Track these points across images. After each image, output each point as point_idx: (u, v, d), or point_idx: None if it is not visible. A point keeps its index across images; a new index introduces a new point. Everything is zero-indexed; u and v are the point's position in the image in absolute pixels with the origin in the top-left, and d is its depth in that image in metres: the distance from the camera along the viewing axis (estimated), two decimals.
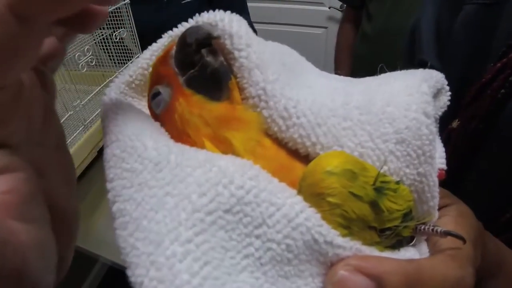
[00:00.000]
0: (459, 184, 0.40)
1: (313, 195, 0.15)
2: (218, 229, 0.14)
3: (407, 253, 0.18)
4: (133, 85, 0.21)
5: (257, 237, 0.14)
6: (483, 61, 0.42)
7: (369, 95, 0.18)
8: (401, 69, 0.21)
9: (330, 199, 0.15)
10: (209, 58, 0.17)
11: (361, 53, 0.97)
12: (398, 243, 0.18)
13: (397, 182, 0.17)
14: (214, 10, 0.18)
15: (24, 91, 0.15)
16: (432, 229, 0.18)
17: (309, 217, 0.15)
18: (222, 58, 0.17)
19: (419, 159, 0.17)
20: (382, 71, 0.22)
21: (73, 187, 0.17)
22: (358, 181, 0.15)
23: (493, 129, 0.39)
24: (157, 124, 0.18)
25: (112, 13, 0.77)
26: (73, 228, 0.17)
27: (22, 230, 0.13)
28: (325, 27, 1.62)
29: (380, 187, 0.16)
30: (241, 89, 0.18)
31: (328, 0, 1.55)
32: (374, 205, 0.15)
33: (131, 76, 0.21)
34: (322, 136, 0.17)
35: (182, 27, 0.19)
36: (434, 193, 0.18)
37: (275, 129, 0.17)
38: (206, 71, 0.17)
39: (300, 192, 0.15)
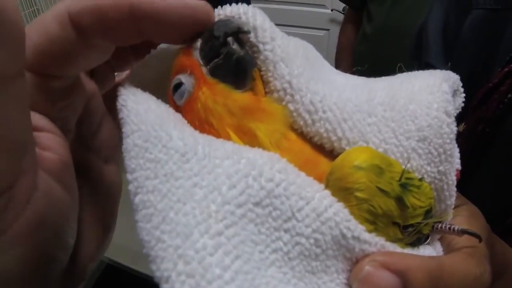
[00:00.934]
0: (465, 187, 0.41)
1: (341, 189, 0.15)
2: (248, 222, 0.14)
3: (426, 251, 0.18)
4: (151, 75, 0.20)
5: (286, 231, 0.14)
6: (490, 66, 0.42)
7: (392, 92, 0.18)
8: (403, 71, 0.21)
9: (358, 193, 0.15)
10: (235, 46, 0.16)
11: (361, 52, 0.98)
12: (418, 241, 0.18)
13: (420, 179, 0.17)
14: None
15: (81, 91, 0.18)
16: (449, 227, 0.18)
17: (338, 212, 0.15)
18: (247, 48, 0.17)
19: (440, 157, 0.17)
20: (401, 70, 0.22)
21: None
22: (384, 176, 0.15)
23: (499, 133, 0.39)
24: (179, 115, 0.17)
25: None
26: (117, 200, 0.19)
27: (53, 187, 0.15)
28: (327, 29, 1.63)
29: (405, 183, 0.16)
30: (265, 83, 0.17)
31: (330, 2, 1.56)
32: (399, 200, 0.15)
33: (148, 66, 0.20)
34: (348, 131, 0.17)
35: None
36: (452, 192, 0.19)
37: (301, 123, 0.17)
38: (231, 59, 0.16)
39: (327, 186, 0.15)
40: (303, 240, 0.14)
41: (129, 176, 0.15)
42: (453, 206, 0.19)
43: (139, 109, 0.16)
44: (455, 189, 0.19)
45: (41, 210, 0.15)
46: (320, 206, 0.14)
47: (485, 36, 0.43)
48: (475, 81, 0.42)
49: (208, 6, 0.17)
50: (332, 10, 1.56)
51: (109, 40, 0.17)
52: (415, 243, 0.18)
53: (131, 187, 0.15)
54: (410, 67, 0.21)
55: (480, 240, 0.18)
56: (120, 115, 0.17)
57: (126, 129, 0.16)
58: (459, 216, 0.20)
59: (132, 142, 0.15)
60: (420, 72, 0.20)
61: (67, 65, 0.16)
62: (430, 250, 0.18)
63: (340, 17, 1.50)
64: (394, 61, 0.25)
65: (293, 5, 1.60)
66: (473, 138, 0.41)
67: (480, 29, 0.44)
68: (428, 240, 0.19)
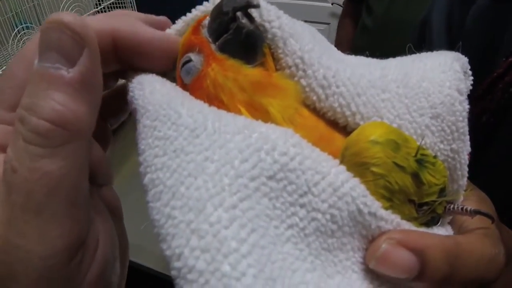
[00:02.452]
0: (470, 177, 0.41)
1: (357, 164, 0.15)
2: (262, 196, 0.13)
3: (439, 231, 0.18)
4: None
5: (302, 206, 0.14)
6: (495, 55, 0.42)
7: (404, 70, 0.18)
8: (413, 52, 0.21)
9: (374, 169, 0.15)
10: (244, 21, 0.16)
11: (360, 45, 0.97)
12: (431, 221, 0.18)
13: (434, 157, 0.17)
14: None
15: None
16: (462, 208, 0.18)
17: (354, 187, 0.14)
18: (257, 23, 0.17)
19: (453, 135, 0.17)
20: (410, 51, 0.22)
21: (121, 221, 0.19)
22: (401, 151, 0.15)
23: (504, 123, 0.39)
24: (186, 93, 0.17)
25: (116, 4, 0.77)
26: (122, 218, 0.20)
27: (98, 219, 0.16)
28: (328, 23, 1.62)
29: (421, 159, 0.16)
30: (275, 60, 0.17)
31: None
32: (415, 177, 0.15)
33: None
34: (361, 106, 0.16)
35: (209, 3, 0.19)
36: (464, 172, 0.19)
37: (314, 98, 0.16)
38: (241, 33, 0.16)
39: (342, 162, 0.15)
40: (319, 216, 0.14)
41: (140, 158, 0.15)
42: (464, 187, 0.19)
43: (145, 92, 0.16)
44: (467, 169, 0.19)
45: (107, 250, 0.16)
46: (336, 181, 0.14)
47: (489, 26, 0.43)
48: (479, 72, 0.42)
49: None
50: (332, 4, 1.55)
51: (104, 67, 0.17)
52: (429, 224, 0.18)
53: (141, 169, 0.15)
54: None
55: (493, 221, 0.18)
56: (132, 106, 0.17)
57: (137, 116, 0.16)
58: (468, 200, 0.20)
59: (142, 124, 0.15)
60: (430, 53, 0.21)
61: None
62: (443, 231, 0.18)
63: (341, 11, 1.49)
64: (394, 54, 0.25)
65: None
66: (477, 128, 0.41)
67: (485, 18, 0.44)
68: (439, 222, 0.19)
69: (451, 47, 0.53)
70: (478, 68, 0.44)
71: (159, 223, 0.13)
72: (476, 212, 0.18)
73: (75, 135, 0.14)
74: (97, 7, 0.81)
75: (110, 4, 0.81)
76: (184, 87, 0.17)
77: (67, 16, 0.13)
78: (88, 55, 0.14)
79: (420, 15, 0.56)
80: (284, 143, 0.14)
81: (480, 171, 0.41)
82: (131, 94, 0.17)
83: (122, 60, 0.18)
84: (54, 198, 0.13)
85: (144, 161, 0.14)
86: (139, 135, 0.15)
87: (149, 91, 0.16)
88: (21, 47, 0.65)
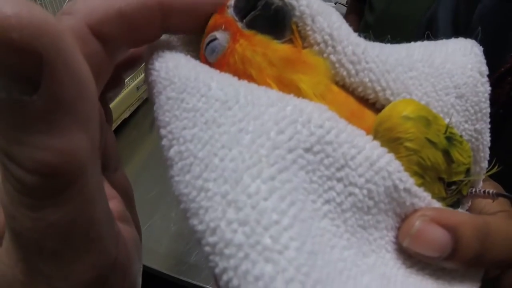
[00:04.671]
0: None
1: (390, 140, 0.15)
2: (299, 169, 0.13)
3: None
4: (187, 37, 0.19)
5: (339, 180, 0.13)
6: (502, 52, 0.43)
7: (428, 51, 0.18)
8: (431, 39, 0.22)
9: (408, 144, 0.15)
10: None
11: None
12: (456, 203, 0.18)
13: (461, 136, 0.17)
14: None
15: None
16: (484, 191, 0.19)
17: (390, 162, 0.14)
18: (285, 0, 0.16)
19: (476, 115, 0.18)
20: (429, 38, 0.22)
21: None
22: (432, 128, 0.15)
23: None
24: (213, 69, 0.16)
25: None
26: (134, 202, 0.18)
27: (124, 229, 0.15)
28: None
29: (450, 137, 0.16)
30: (303, 38, 0.17)
31: None
32: (446, 154, 0.15)
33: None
34: (391, 82, 0.16)
35: None
36: (486, 154, 0.19)
37: (344, 73, 0.16)
38: (270, 9, 0.16)
39: (376, 137, 0.15)
40: (356, 191, 0.14)
41: (162, 131, 0.14)
42: (485, 170, 0.19)
43: (169, 65, 0.15)
44: (488, 151, 0.19)
45: (134, 256, 0.15)
46: (372, 155, 0.14)
47: (496, 25, 0.44)
48: (488, 67, 0.43)
49: None
50: (335, 3, 1.56)
51: (137, 43, 0.16)
52: (454, 206, 0.18)
53: (164, 141, 0.14)
54: None
55: None
56: (150, 78, 0.16)
57: (157, 88, 0.15)
58: (485, 184, 0.20)
59: (165, 96, 0.15)
60: (448, 40, 0.21)
61: (98, 84, 0.14)
62: None
63: (344, 10, 1.50)
64: None
65: None
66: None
67: (491, 16, 0.44)
68: (460, 206, 0.19)
69: None
70: (486, 64, 0.44)
71: (188, 197, 0.12)
72: (498, 195, 0.18)
73: (75, 176, 0.11)
74: None
75: None
76: (209, 65, 0.17)
77: (1, 12, 0.08)
78: (54, 66, 0.09)
79: (420, 11, 0.57)
80: (319, 116, 0.14)
81: (489, 162, 0.41)
82: (150, 66, 0.16)
83: (166, 29, 0.16)
84: (71, 242, 0.11)
85: (169, 133, 0.14)
86: (160, 108, 0.14)
87: (174, 64, 0.15)
88: None
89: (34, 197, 0.10)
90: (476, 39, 0.21)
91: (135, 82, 0.82)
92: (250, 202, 0.11)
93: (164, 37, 0.19)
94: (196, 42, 0.20)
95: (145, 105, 0.91)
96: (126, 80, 0.78)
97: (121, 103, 0.79)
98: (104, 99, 0.18)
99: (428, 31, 0.53)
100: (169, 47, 0.18)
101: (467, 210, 0.19)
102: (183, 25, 0.16)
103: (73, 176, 0.10)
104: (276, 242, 0.11)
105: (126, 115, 0.82)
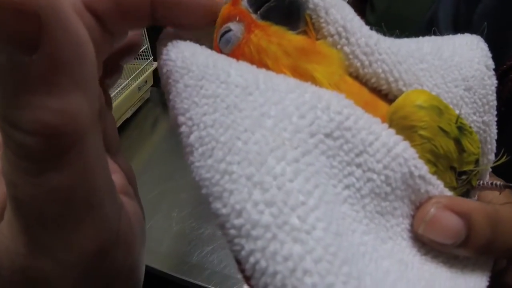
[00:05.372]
0: None
1: (405, 128, 0.15)
2: (320, 153, 0.13)
3: None
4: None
5: (358, 166, 0.14)
6: (503, 51, 0.43)
7: (437, 45, 0.19)
8: (438, 35, 0.22)
9: (422, 132, 0.15)
10: None
11: None
12: (465, 194, 0.18)
13: (470, 127, 0.17)
14: None
15: None
16: (491, 183, 0.19)
17: (406, 149, 0.14)
18: None
19: (484, 107, 0.18)
20: (435, 34, 0.23)
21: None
22: (444, 117, 0.15)
23: None
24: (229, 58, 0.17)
25: None
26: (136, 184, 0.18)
27: (127, 202, 0.15)
28: None
29: (461, 127, 0.16)
30: (317, 30, 0.17)
31: None
32: (457, 143, 0.16)
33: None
34: (403, 73, 0.17)
35: None
36: (493, 146, 0.20)
37: (358, 64, 0.17)
38: (284, 1, 0.16)
39: (390, 126, 0.15)
40: (374, 176, 0.14)
41: (181, 118, 0.14)
42: (492, 163, 0.20)
43: (185, 55, 0.15)
44: (495, 144, 0.19)
45: (138, 231, 0.15)
46: (389, 141, 0.14)
47: (497, 23, 0.44)
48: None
49: None
50: None
51: (127, 27, 0.15)
52: (463, 196, 0.18)
53: (183, 128, 0.14)
54: None
55: None
56: (165, 69, 0.16)
57: (174, 77, 0.15)
58: (491, 177, 0.21)
59: (183, 84, 0.15)
60: (456, 35, 0.21)
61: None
62: None
63: None
64: None
65: None
66: None
67: (491, 17, 0.45)
68: (469, 197, 0.19)
69: None
70: None
71: (211, 181, 0.12)
72: (506, 186, 0.18)
73: (74, 138, 0.11)
74: None
75: None
76: None
77: None
78: (52, 27, 0.10)
79: (421, 11, 0.57)
80: (337, 102, 0.14)
81: (496, 155, 0.42)
82: (165, 56, 0.16)
83: (159, 17, 0.16)
84: (72, 209, 0.11)
85: (189, 120, 0.14)
86: (178, 95, 0.14)
87: (190, 53, 0.15)
88: None
89: (34, 161, 0.10)
90: (482, 35, 0.21)
91: (137, 82, 0.83)
92: (276, 183, 0.12)
93: (172, 29, 0.19)
94: (204, 38, 0.20)
95: (147, 105, 0.91)
96: (127, 81, 0.78)
97: (122, 103, 0.79)
98: (103, 85, 0.18)
99: (429, 31, 0.53)
100: (179, 37, 0.18)
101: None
102: (172, 20, 0.16)
103: (73, 138, 0.10)
104: (303, 222, 0.11)
105: (128, 115, 0.83)
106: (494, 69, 0.44)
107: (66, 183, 0.11)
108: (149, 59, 0.89)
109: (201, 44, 0.20)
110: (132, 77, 0.81)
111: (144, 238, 0.16)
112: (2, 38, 0.09)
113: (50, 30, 0.09)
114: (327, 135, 0.13)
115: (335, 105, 0.14)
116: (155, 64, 0.90)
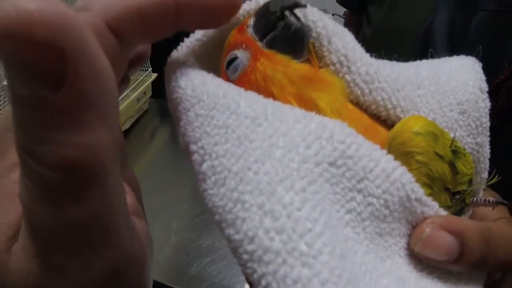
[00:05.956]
0: None
1: (403, 154, 0.16)
2: (325, 181, 0.14)
3: None
4: (199, 52, 0.20)
5: (359, 191, 0.15)
6: (497, 64, 0.44)
7: (434, 68, 0.19)
8: (434, 57, 0.23)
9: (418, 157, 0.16)
10: (292, 19, 0.17)
11: None
12: (460, 211, 0.19)
13: (464, 149, 0.18)
14: None
15: None
16: (484, 200, 0.20)
17: (403, 174, 0.15)
18: (303, 21, 0.17)
19: (477, 129, 0.19)
20: (432, 56, 0.23)
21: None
22: (439, 142, 0.16)
23: (508, 125, 0.41)
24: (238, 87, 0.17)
25: None
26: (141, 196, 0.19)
27: (137, 223, 0.15)
28: None
29: (455, 150, 0.17)
30: (319, 58, 0.18)
31: (331, 7, 1.58)
32: (452, 165, 0.16)
33: (200, 41, 0.20)
34: (401, 100, 0.18)
35: (252, 2, 0.19)
36: (486, 165, 0.20)
37: (358, 92, 0.17)
38: (289, 30, 0.17)
39: (389, 151, 0.16)
40: (374, 201, 0.15)
41: (193, 147, 0.15)
42: (485, 181, 0.21)
43: (195, 83, 0.16)
44: (488, 162, 0.20)
45: (147, 251, 0.15)
46: (388, 167, 0.15)
47: (492, 36, 0.45)
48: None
49: None
50: (333, 15, 1.58)
51: (149, 40, 0.16)
52: (457, 214, 0.19)
53: (195, 156, 0.15)
54: None
55: None
56: (175, 95, 0.16)
57: (184, 105, 0.16)
58: (485, 193, 0.21)
59: (193, 114, 0.15)
60: (450, 57, 0.22)
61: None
62: None
63: (341, 21, 1.52)
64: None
65: None
66: None
67: (487, 30, 0.45)
68: (463, 214, 0.20)
69: (454, 55, 0.53)
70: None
71: (224, 208, 0.13)
72: (498, 203, 0.19)
73: (96, 172, 0.10)
74: None
75: None
76: (230, 83, 0.18)
77: (24, 8, 0.08)
78: (78, 62, 0.09)
79: (418, 23, 0.58)
80: (340, 131, 0.15)
81: (489, 173, 0.42)
82: (174, 83, 0.17)
83: (182, 25, 0.16)
84: (90, 237, 0.11)
85: (201, 149, 0.14)
86: (189, 124, 0.15)
87: (200, 82, 0.16)
88: None
89: (55, 193, 0.10)
90: (477, 56, 0.22)
91: (136, 93, 0.83)
92: (285, 212, 0.12)
93: (182, 56, 0.20)
94: (208, 60, 0.20)
95: (145, 116, 0.92)
96: (126, 92, 0.78)
97: (121, 114, 0.79)
98: None
99: (425, 43, 0.54)
100: (188, 64, 0.19)
101: (469, 218, 0.20)
102: (196, 23, 0.16)
103: (95, 173, 0.10)
104: (311, 247, 0.12)
105: (127, 126, 0.83)
106: (488, 83, 0.45)
107: (86, 214, 0.11)
108: (148, 70, 0.89)
109: (203, 66, 0.20)
110: (131, 88, 0.81)
111: (152, 254, 0.17)
112: (25, 73, 0.09)
113: (75, 65, 0.09)
114: (331, 164, 0.14)
115: (338, 134, 0.15)
116: (154, 75, 0.91)
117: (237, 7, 0.16)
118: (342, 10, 1.37)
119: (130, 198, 0.16)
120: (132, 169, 0.18)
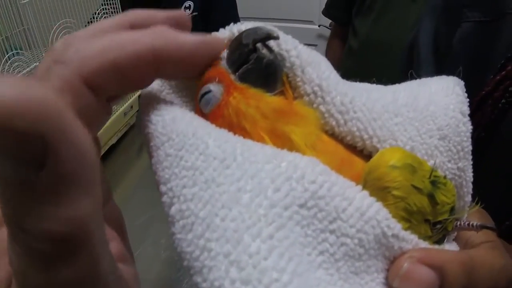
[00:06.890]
0: None
1: (379, 189, 0.15)
2: (295, 224, 0.14)
3: (449, 248, 0.19)
4: (172, 84, 0.20)
5: (332, 232, 0.14)
6: (483, 74, 0.44)
7: (413, 94, 0.19)
8: (415, 78, 0.22)
9: (395, 192, 0.15)
10: (264, 51, 0.17)
11: (347, 67, 1.00)
12: (442, 238, 0.18)
13: (444, 177, 0.17)
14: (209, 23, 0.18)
15: None
16: (468, 224, 0.19)
17: (379, 211, 0.15)
18: (275, 52, 0.17)
19: (459, 154, 0.18)
20: (412, 77, 0.23)
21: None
22: (417, 174, 0.16)
23: (495, 137, 0.41)
24: (208, 122, 0.17)
25: None
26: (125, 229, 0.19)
27: (124, 269, 0.15)
28: (315, 45, 1.65)
29: (434, 180, 0.16)
30: (293, 88, 0.17)
31: (318, 18, 1.60)
32: (431, 197, 0.16)
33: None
34: (378, 130, 0.17)
35: (225, 30, 0.19)
36: (469, 189, 0.20)
37: (333, 123, 0.17)
38: (262, 63, 0.16)
39: (365, 186, 0.16)
40: (348, 241, 0.14)
41: (163, 188, 0.15)
42: (469, 204, 0.20)
43: (165, 119, 0.16)
44: (471, 186, 0.20)
45: None
46: (362, 205, 0.14)
47: (476, 47, 0.45)
48: (469, 91, 0.44)
49: (219, 37, 0.18)
50: (319, 26, 1.59)
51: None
52: (439, 242, 0.18)
53: (165, 198, 0.14)
54: (398, 81, 0.22)
55: (498, 233, 0.19)
56: (146, 130, 0.16)
57: (155, 142, 0.16)
58: (471, 216, 0.21)
59: (163, 153, 0.15)
60: (433, 77, 0.22)
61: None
62: (452, 247, 0.19)
63: (328, 32, 1.53)
64: (378, 74, 0.26)
65: (280, 21, 1.62)
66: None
67: (471, 40, 0.45)
68: (445, 239, 0.20)
69: (439, 68, 0.54)
70: (467, 87, 0.46)
71: (191, 255, 0.13)
72: (482, 227, 0.19)
73: (84, 239, 0.11)
74: None
75: None
76: (203, 116, 0.17)
77: (2, 99, 0.08)
78: (58, 146, 0.09)
79: (403, 35, 0.58)
80: (312, 171, 0.14)
81: (474, 185, 0.42)
82: (146, 118, 0.16)
83: (160, 75, 0.16)
84: None
85: (170, 191, 0.14)
86: (159, 163, 0.15)
87: (171, 118, 0.16)
88: (11, 72, 0.65)
89: (44, 260, 0.11)
90: (458, 75, 0.21)
91: (122, 108, 0.82)
92: (251, 261, 0.12)
93: (156, 85, 0.19)
94: (188, 88, 0.20)
95: (132, 130, 0.91)
96: (113, 106, 0.78)
97: (108, 129, 0.78)
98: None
99: (410, 54, 0.54)
100: (163, 96, 0.18)
101: (453, 240, 0.20)
102: (176, 74, 0.17)
103: (81, 240, 0.11)
104: None
105: (114, 141, 0.82)
106: (473, 94, 0.45)
107: (75, 275, 0.11)
108: None
109: (183, 95, 0.20)
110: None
111: None
112: (7, 157, 0.09)
113: (55, 149, 0.09)
114: (301, 206, 0.14)
115: (310, 174, 0.14)
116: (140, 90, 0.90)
117: (217, 57, 0.17)
118: (328, 21, 1.38)
119: (115, 245, 0.16)
120: (114, 202, 0.18)
